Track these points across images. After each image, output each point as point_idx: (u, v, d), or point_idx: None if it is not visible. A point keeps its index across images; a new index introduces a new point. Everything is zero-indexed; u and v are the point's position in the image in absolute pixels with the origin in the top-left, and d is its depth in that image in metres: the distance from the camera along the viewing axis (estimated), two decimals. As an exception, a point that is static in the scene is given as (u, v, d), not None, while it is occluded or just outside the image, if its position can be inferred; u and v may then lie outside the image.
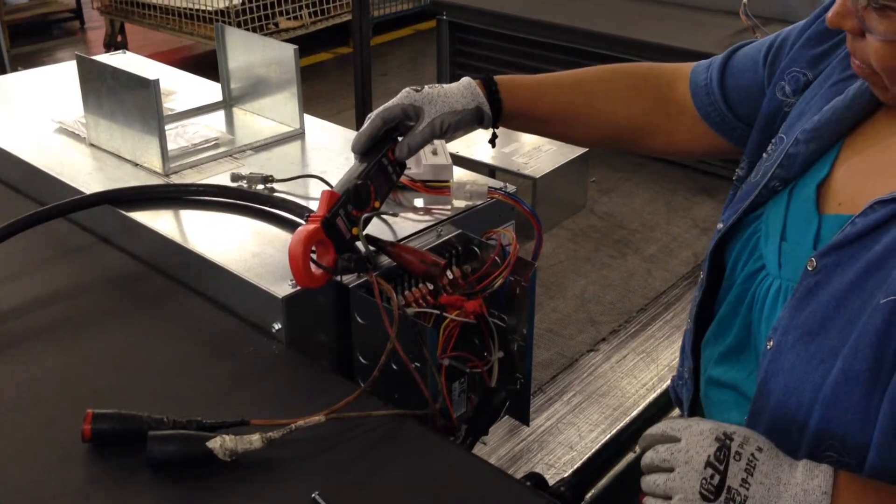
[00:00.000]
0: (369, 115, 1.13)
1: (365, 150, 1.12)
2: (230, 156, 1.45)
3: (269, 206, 1.26)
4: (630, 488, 0.89)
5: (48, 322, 1.13)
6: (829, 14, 0.88)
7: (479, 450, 1.15)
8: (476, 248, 1.15)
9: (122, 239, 1.29)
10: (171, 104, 1.64)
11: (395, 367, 1.02)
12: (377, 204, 1.11)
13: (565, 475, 1.50)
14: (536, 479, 1.31)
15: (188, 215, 1.28)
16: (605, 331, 1.85)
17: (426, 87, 1.14)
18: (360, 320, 1.07)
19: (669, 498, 0.79)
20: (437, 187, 1.27)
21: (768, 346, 0.90)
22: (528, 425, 1.29)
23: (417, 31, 6.31)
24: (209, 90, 1.71)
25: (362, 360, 1.09)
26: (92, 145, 1.48)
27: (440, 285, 1.09)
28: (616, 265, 2.13)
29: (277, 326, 1.07)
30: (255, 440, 0.88)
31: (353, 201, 1.06)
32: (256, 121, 1.59)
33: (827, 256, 0.87)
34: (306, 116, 1.55)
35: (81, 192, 1.30)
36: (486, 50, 2.96)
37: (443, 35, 3.03)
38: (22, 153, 1.45)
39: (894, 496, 0.79)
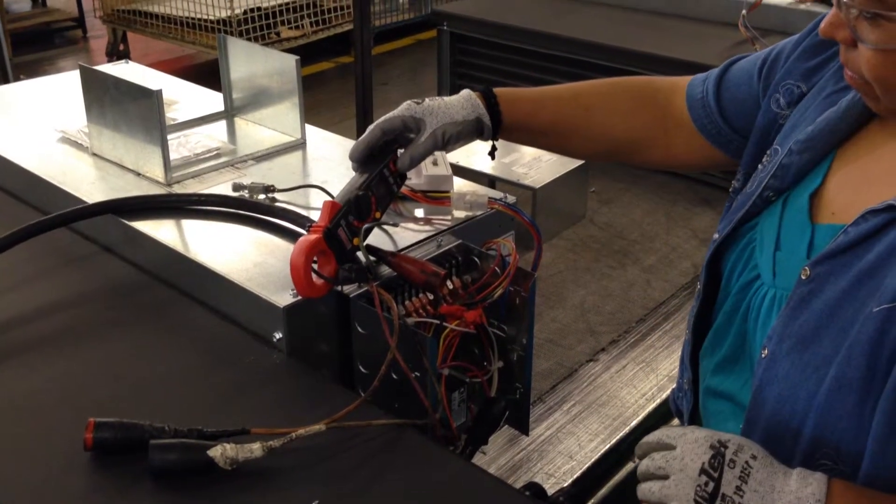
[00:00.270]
0: (370, 126, 1.14)
1: (362, 159, 1.13)
2: (232, 166, 1.45)
3: (271, 216, 1.27)
4: (629, 498, 0.90)
5: (50, 331, 1.14)
6: (822, 25, 0.89)
7: (478, 459, 1.16)
8: (476, 259, 1.16)
9: (124, 248, 1.30)
10: (174, 114, 1.65)
11: (395, 376, 1.02)
12: (378, 214, 1.11)
13: (565, 485, 1.50)
14: (535, 489, 1.31)
15: (190, 225, 1.28)
16: (605, 341, 1.85)
17: (426, 99, 1.15)
18: (360, 330, 1.07)
19: None
20: (437, 198, 1.28)
21: (763, 355, 0.91)
22: (527, 435, 1.29)
23: (418, 40, 6.32)
24: (211, 100, 1.72)
25: (363, 370, 1.09)
26: (94, 155, 1.48)
27: (440, 295, 1.09)
28: (616, 275, 2.14)
29: (278, 336, 1.08)
30: (255, 449, 0.89)
31: (354, 212, 1.07)
32: (258, 131, 1.59)
33: (820, 265, 0.87)
34: (307, 126, 1.56)
35: (84, 202, 1.31)
36: (487, 60, 2.97)
37: (444, 45, 3.04)
38: (25, 162, 1.46)
39: None
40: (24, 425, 0.98)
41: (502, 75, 2.93)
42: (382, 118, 1.14)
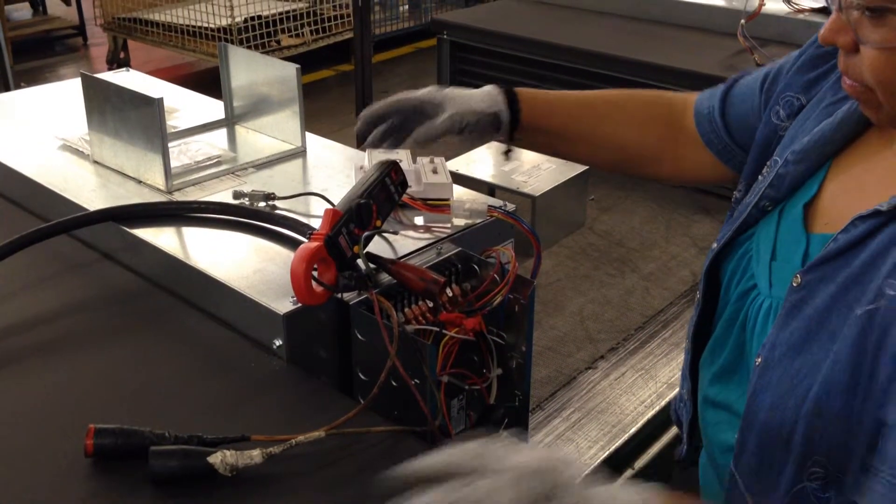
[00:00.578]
0: (389, 98, 1.14)
1: (364, 128, 1.14)
2: (232, 173, 1.46)
3: (271, 224, 1.27)
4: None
5: (51, 338, 1.14)
6: (822, 31, 0.88)
7: (477, 466, 1.16)
8: (475, 266, 1.16)
9: (124, 256, 1.30)
10: (174, 122, 1.66)
11: (394, 383, 1.02)
12: (379, 223, 1.12)
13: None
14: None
15: (191, 232, 1.29)
16: (604, 348, 1.86)
17: (449, 87, 1.16)
18: (360, 337, 1.08)
19: None
20: (437, 206, 1.28)
21: (757, 363, 0.91)
22: (526, 442, 1.30)
23: (418, 49, 6.34)
24: (211, 108, 1.73)
25: (362, 377, 1.10)
26: (95, 162, 1.49)
27: (440, 303, 1.10)
28: (615, 283, 2.15)
29: (278, 343, 1.08)
30: (255, 455, 0.89)
31: (355, 220, 1.07)
32: (258, 139, 1.60)
33: (811, 273, 0.88)
34: (308, 134, 1.56)
35: (85, 209, 1.31)
36: (487, 69, 2.98)
37: (443, 54, 3.05)
38: (26, 170, 1.47)
39: None
40: (24, 431, 0.98)
41: (502, 83, 2.94)
42: (402, 94, 1.14)
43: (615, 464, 1.56)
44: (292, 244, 1.22)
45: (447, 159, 1.31)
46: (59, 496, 0.89)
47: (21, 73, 5.16)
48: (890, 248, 0.82)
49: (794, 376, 0.87)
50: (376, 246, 1.17)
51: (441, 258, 1.17)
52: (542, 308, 2.03)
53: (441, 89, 1.16)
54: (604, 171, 1.30)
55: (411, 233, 1.25)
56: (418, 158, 1.35)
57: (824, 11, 3.21)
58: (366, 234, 1.08)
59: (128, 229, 1.27)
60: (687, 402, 1.15)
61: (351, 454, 0.94)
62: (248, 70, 1.59)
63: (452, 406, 1.13)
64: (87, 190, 1.40)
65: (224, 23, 5.00)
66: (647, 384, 1.74)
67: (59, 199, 1.38)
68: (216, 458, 0.88)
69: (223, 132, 1.64)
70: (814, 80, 1.05)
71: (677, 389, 1.74)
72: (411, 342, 1.01)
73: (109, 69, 5.18)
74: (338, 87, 5.54)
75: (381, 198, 1.13)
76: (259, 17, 5.08)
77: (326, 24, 5.45)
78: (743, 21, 2.46)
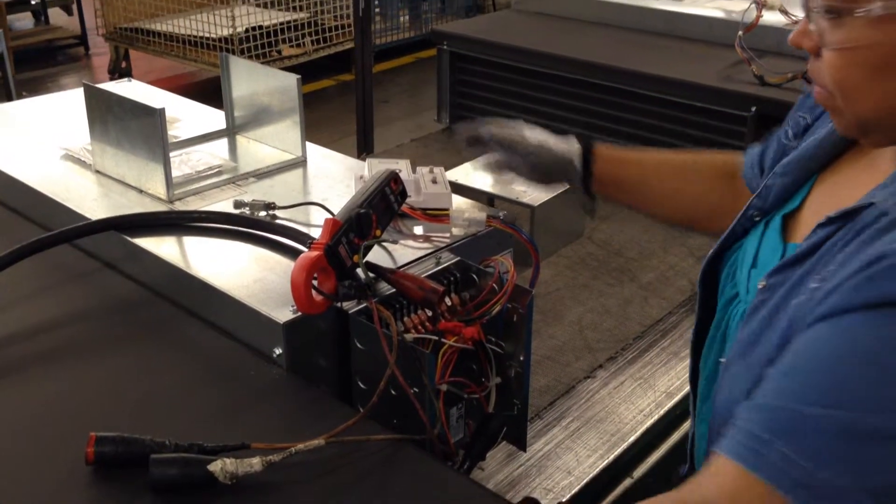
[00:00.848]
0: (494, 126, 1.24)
1: (472, 141, 1.25)
2: (233, 183, 1.47)
3: (271, 233, 1.28)
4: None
5: (53, 346, 1.15)
6: (791, 36, 0.89)
7: (476, 475, 1.16)
8: (474, 276, 1.17)
9: (126, 265, 1.31)
10: (176, 132, 1.67)
11: (393, 392, 1.03)
12: (378, 232, 1.13)
13: (563, 500, 1.50)
14: (532, 504, 1.32)
15: (192, 242, 1.30)
16: (603, 357, 1.86)
17: (538, 129, 1.26)
18: (359, 346, 1.08)
19: None
20: (436, 215, 1.29)
21: (721, 364, 0.93)
22: (524, 451, 1.30)
23: (418, 58, 6.36)
24: (213, 118, 1.74)
25: (361, 386, 1.10)
26: (97, 172, 1.50)
27: (439, 312, 1.10)
28: (613, 293, 2.15)
29: (278, 351, 1.09)
30: (255, 463, 0.90)
31: (355, 229, 1.08)
32: (259, 148, 1.61)
33: (773, 277, 0.90)
34: (308, 144, 1.57)
35: (87, 219, 1.32)
36: (487, 79, 2.99)
37: (443, 64, 3.06)
38: (29, 179, 1.48)
39: None
40: (26, 440, 0.99)
41: (502, 94, 2.94)
42: (497, 127, 1.24)
43: (614, 472, 1.56)
44: (292, 253, 1.23)
45: (446, 169, 1.32)
46: (60, 503, 0.90)
47: (23, 82, 5.18)
48: (830, 250, 0.83)
49: (743, 375, 0.88)
50: (376, 255, 1.18)
51: (440, 267, 1.18)
52: (541, 317, 2.04)
53: (531, 128, 1.24)
54: (680, 227, 1.34)
55: (411, 242, 1.25)
56: (418, 168, 1.36)
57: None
58: (365, 243, 1.09)
59: (129, 239, 1.28)
60: (691, 415, 1.15)
61: (350, 462, 0.95)
62: (249, 80, 1.60)
63: (451, 414, 1.13)
64: (89, 199, 1.40)
65: (225, 33, 5.02)
66: (646, 393, 1.74)
67: (61, 208, 1.39)
68: (216, 466, 0.89)
69: (224, 142, 1.65)
70: None
71: (677, 398, 1.75)
72: (410, 351, 1.02)
73: (111, 79, 5.20)
74: (338, 97, 5.56)
75: (381, 207, 1.14)
76: (260, 27, 5.10)
77: (327, 35, 5.47)
78: (741, 32, 2.47)
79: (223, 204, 1.38)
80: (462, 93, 3.09)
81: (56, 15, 7.06)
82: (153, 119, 1.35)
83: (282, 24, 5.21)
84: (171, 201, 1.39)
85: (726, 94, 2.45)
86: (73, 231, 1.27)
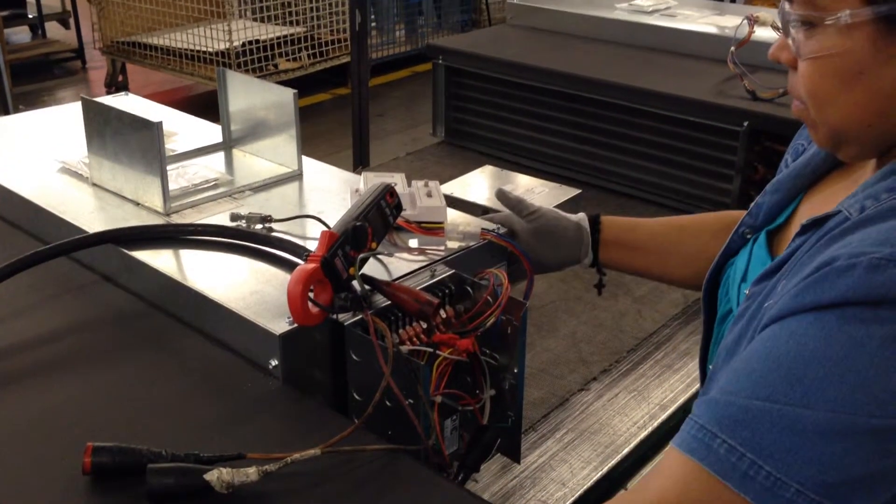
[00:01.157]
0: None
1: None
2: (230, 196, 1.48)
3: (267, 246, 1.29)
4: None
5: (50, 359, 1.16)
6: (770, 49, 0.91)
7: (471, 487, 1.17)
8: (469, 288, 1.18)
9: (123, 277, 1.32)
10: (173, 145, 1.68)
11: (388, 403, 1.04)
12: (374, 245, 1.14)
13: (557, 513, 1.51)
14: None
15: (188, 254, 1.31)
16: (597, 370, 1.87)
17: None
18: (355, 357, 1.09)
19: None
20: (431, 228, 1.31)
21: (710, 371, 0.96)
22: (518, 463, 1.31)
23: (414, 72, 6.39)
24: (209, 131, 1.75)
25: (357, 397, 1.11)
26: (94, 185, 1.51)
27: (433, 324, 1.11)
28: (607, 306, 2.16)
29: (274, 363, 1.10)
30: (251, 473, 0.91)
31: (351, 242, 1.09)
32: (256, 162, 1.62)
33: (756, 285, 0.92)
34: (304, 158, 1.59)
35: (84, 231, 1.33)
36: (482, 94, 3.01)
37: (439, 78, 3.07)
38: (26, 192, 1.49)
39: None
40: (23, 450, 0.99)
41: (497, 108, 2.96)
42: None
43: (608, 484, 1.56)
44: (289, 266, 1.24)
45: (441, 183, 1.33)
46: (57, 514, 0.90)
47: (20, 95, 5.19)
48: (801, 256, 0.86)
49: (723, 379, 0.90)
50: (371, 268, 1.19)
51: (435, 280, 1.19)
52: (535, 330, 2.04)
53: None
54: (691, 287, 1.38)
55: (406, 255, 1.26)
56: (413, 182, 1.38)
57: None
58: (361, 256, 1.10)
59: (126, 251, 1.29)
60: None
61: (346, 472, 0.96)
62: (246, 94, 1.62)
63: (446, 426, 1.14)
64: (86, 212, 1.41)
65: (222, 47, 5.05)
66: (640, 405, 1.75)
67: (58, 221, 1.39)
68: (212, 476, 0.89)
69: (221, 155, 1.66)
70: None
71: (671, 410, 1.76)
72: (405, 363, 1.02)
73: (108, 92, 5.22)
74: (334, 111, 5.58)
75: (377, 220, 1.15)
76: (257, 41, 5.12)
77: (324, 49, 5.50)
78: (733, 48, 2.49)
79: (220, 217, 1.39)
80: (457, 107, 3.10)
81: (53, 29, 7.08)
82: (151, 132, 1.36)
83: (278, 38, 5.24)
84: (167, 214, 1.40)
85: (719, 108, 2.47)
86: (70, 244, 1.28)
